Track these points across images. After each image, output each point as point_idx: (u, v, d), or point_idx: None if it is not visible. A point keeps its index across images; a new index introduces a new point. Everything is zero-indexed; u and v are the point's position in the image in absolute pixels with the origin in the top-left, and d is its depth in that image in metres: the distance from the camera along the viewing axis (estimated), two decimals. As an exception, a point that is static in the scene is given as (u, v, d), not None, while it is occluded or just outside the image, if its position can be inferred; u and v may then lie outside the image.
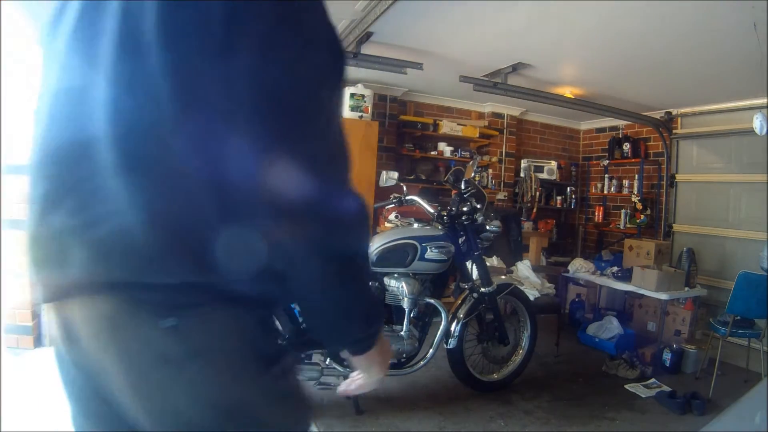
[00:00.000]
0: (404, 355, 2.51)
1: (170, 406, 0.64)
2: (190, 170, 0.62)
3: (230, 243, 0.61)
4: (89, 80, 0.66)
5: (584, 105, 4.65)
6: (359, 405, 2.54)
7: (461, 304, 2.80)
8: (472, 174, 2.94)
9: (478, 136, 5.55)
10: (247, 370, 0.67)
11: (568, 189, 6.08)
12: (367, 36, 3.35)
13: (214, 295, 0.63)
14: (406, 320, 2.49)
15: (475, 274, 2.87)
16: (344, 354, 0.83)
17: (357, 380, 0.86)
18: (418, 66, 3.72)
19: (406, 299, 2.47)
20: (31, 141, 0.74)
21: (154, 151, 0.63)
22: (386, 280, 2.52)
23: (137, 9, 0.62)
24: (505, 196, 5.77)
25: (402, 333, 2.48)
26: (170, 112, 0.61)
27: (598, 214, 5.88)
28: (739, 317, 3.16)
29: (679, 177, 5.11)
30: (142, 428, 0.66)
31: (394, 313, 2.56)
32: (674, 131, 5.07)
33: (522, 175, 5.83)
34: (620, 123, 5.69)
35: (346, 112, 4.58)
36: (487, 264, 3.03)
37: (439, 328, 2.64)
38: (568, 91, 4.60)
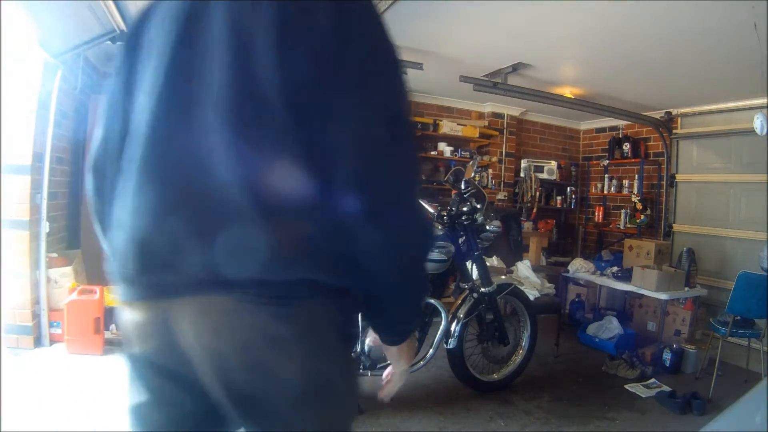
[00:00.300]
0: (404, 355, 2.51)
1: (276, 379, 0.73)
2: (303, 179, 0.70)
3: (338, 246, 0.73)
4: (200, 88, 0.73)
5: (584, 105, 4.65)
6: (359, 405, 2.54)
7: (461, 304, 2.80)
8: (472, 174, 2.94)
9: (478, 136, 5.55)
10: (336, 349, 0.79)
11: (568, 189, 6.08)
12: (367, 36, 3.35)
13: (316, 288, 0.73)
14: (406, 320, 2.48)
15: (475, 274, 2.87)
16: (379, 343, 0.93)
17: (389, 381, 0.97)
18: (418, 66, 3.72)
19: (406, 299, 2.47)
20: (129, 145, 0.80)
21: (269, 159, 0.70)
22: (386, 280, 2.52)
23: (248, 21, 0.70)
24: (505, 196, 5.77)
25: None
26: (282, 122, 0.69)
27: (598, 214, 5.88)
28: (739, 317, 3.15)
29: (679, 177, 5.11)
30: (244, 406, 0.74)
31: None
32: (674, 131, 5.08)
33: (522, 175, 5.83)
34: (620, 123, 5.69)
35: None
36: (487, 264, 3.03)
37: (439, 328, 2.64)
38: (568, 91, 4.60)
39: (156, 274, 0.75)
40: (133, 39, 0.85)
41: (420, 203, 0.80)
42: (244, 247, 0.69)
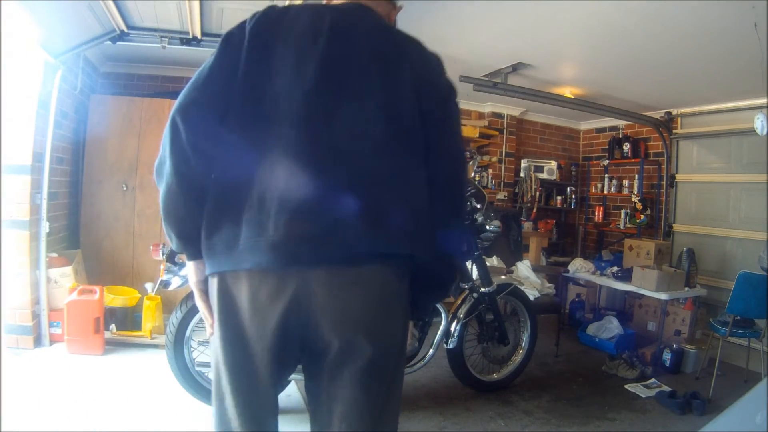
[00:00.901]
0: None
1: (393, 315, 1.05)
2: (423, 189, 1.05)
3: (432, 234, 1.05)
4: (357, 98, 1.03)
5: (584, 105, 4.65)
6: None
7: (461, 304, 2.80)
8: (472, 174, 2.93)
9: (478, 136, 5.54)
10: (408, 297, 1.10)
11: (568, 189, 6.08)
12: (367, 36, 3.35)
13: (412, 259, 1.05)
14: (406, 320, 2.48)
15: (475, 274, 2.87)
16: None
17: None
18: (418, 66, 3.71)
19: (406, 299, 2.46)
20: (273, 121, 0.99)
21: (408, 170, 1.04)
22: (386, 280, 2.51)
23: (397, 63, 1.08)
24: (505, 196, 5.77)
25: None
26: (416, 144, 1.05)
27: (598, 214, 5.88)
28: (739, 317, 3.15)
29: (679, 177, 5.11)
30: (373, 333, 1.00)
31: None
32: (674, 131, 5.07)
33: (522, 175, 5.83)
34: (620, 123, 5.69)
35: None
36: (487, 264, 3.02)
37: (439, 328, 2.64)
38: (568, 91, 4.60)
39: (307, 246, 0.94)
40: (266, 32, 1.05)
41: None
42: (386, 231, 0.98)
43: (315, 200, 0.95)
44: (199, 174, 1.00)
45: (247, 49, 1.02)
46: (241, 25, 1.06)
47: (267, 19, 1.07)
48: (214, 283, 1.01)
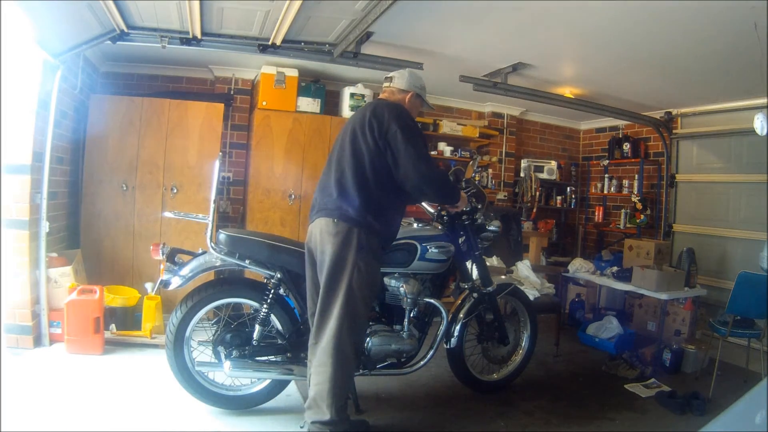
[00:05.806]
0: (404, 355, 2.51)
1: (337, 253, 2.17)
2: (368, 182, 2.23)
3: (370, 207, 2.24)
4: (347, 145, 2.28)
5: (584, 105, 4.65)
6: (359, 405, 2.54)
7: (461, 304, 2.80)
8: (472, 174, 2.93)
9: (478, 135, 5.55)
10: (354, 244, 2.18)
11: (568, 189, 6.08)
12: (367, 36, 3.35)
13: (355, 220, 2.19)
14: (406, 320, 2.48)
15: (475, 274, 2.86)
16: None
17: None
18: (418, 66, 3.71)
19: (406, 299, 2.46)
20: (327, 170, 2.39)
21: (360, 174, 2.22)
22: (386, 280, 2.51)
23: (361, 120, 2.28)
24: (505, 196, 5.77)
25: (402, 333, 2.48)
26: (362, 166, 2.23)
27: (598, 214, 5.88)
28: (739, 317, 3.16)
29: (679, 177, 5.11)
30: (322, 270, 2.20)
31: (394, 313, 2.55)
32: (674, 131, 5.08)
33: (522, 175, 5.83)
34: (620, 123, 5.69)
35: (346, 112, 4.58)
36: (487, 264, 3.02)
37: (439, 328, 2.64)
38: (568, 91, 4.60)
39: (315, 209, 2.31)
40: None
41: (435, 178, 2.26)
42: (346, 202, 2.20)
43: (328, 192, 2.25)
44: None
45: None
46: None
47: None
48: (309, 226, 2.32)
